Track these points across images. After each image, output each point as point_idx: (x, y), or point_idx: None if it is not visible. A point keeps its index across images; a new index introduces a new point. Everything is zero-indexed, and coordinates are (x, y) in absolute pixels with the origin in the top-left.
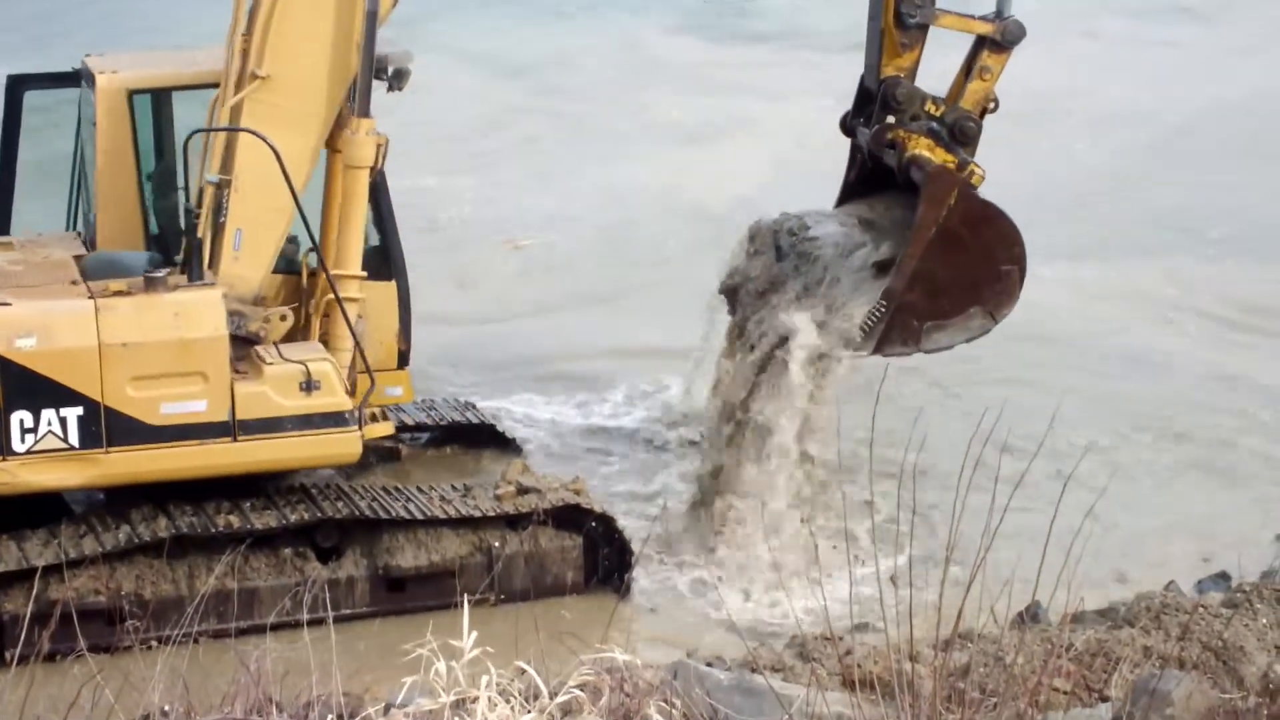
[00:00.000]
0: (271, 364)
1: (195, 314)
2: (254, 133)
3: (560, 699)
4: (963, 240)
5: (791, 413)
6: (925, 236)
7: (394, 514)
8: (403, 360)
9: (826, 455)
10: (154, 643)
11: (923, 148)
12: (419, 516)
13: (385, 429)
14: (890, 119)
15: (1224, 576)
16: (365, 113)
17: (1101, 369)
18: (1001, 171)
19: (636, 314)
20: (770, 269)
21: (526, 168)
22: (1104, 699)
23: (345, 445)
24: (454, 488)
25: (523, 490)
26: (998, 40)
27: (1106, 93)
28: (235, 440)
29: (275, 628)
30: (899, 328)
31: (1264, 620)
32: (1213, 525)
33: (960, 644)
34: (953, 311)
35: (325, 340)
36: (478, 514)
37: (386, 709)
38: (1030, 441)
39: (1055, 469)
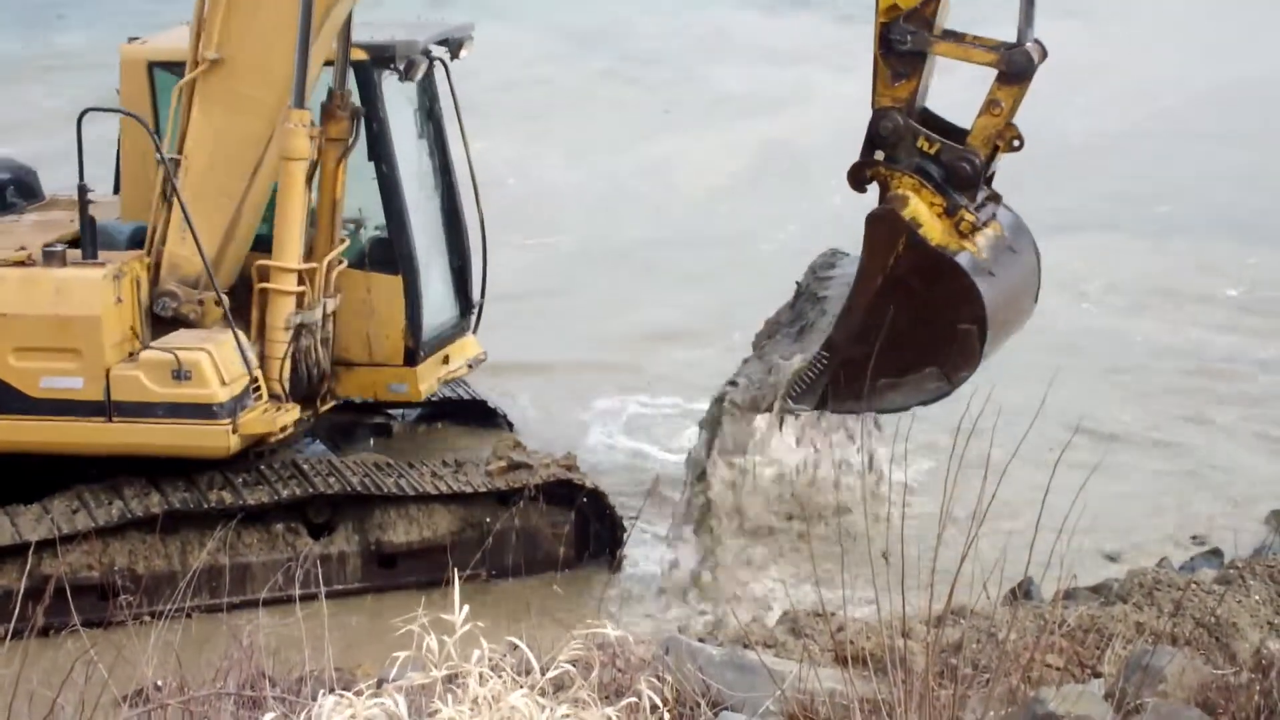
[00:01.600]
0: (149, 349)
1: (74, 292)
2: (134, 116)
3: (552, 674)
4: (914, 292)
5: (728, 464)
6: (870, 286)
7: (385, 490)
8: (410, 358)
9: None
10: (147, 617)
11: (907, 188)
12: (410, 492)
13: (266, 426)
14: (879, 154)
15: (1217, 553)
16: (299, 104)
17: (1050, 346)
18: None
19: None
20: (785, 309)
21: (573, 139)
22: (1096, 675)
23: (213, 438)
24: (445, 463)
25: (514, 466)
26: (1004, 71)
27: (1128, 66)
28: (110, 421)
29: (267, 603)
30: (847, 383)
31: (1257, 597)
32: (1203, 502)
33: (953, 620)
34: (906, 369)
35: (261, 330)
36: (469, 490)
37: (379, 684)
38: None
39: (1047, 446)
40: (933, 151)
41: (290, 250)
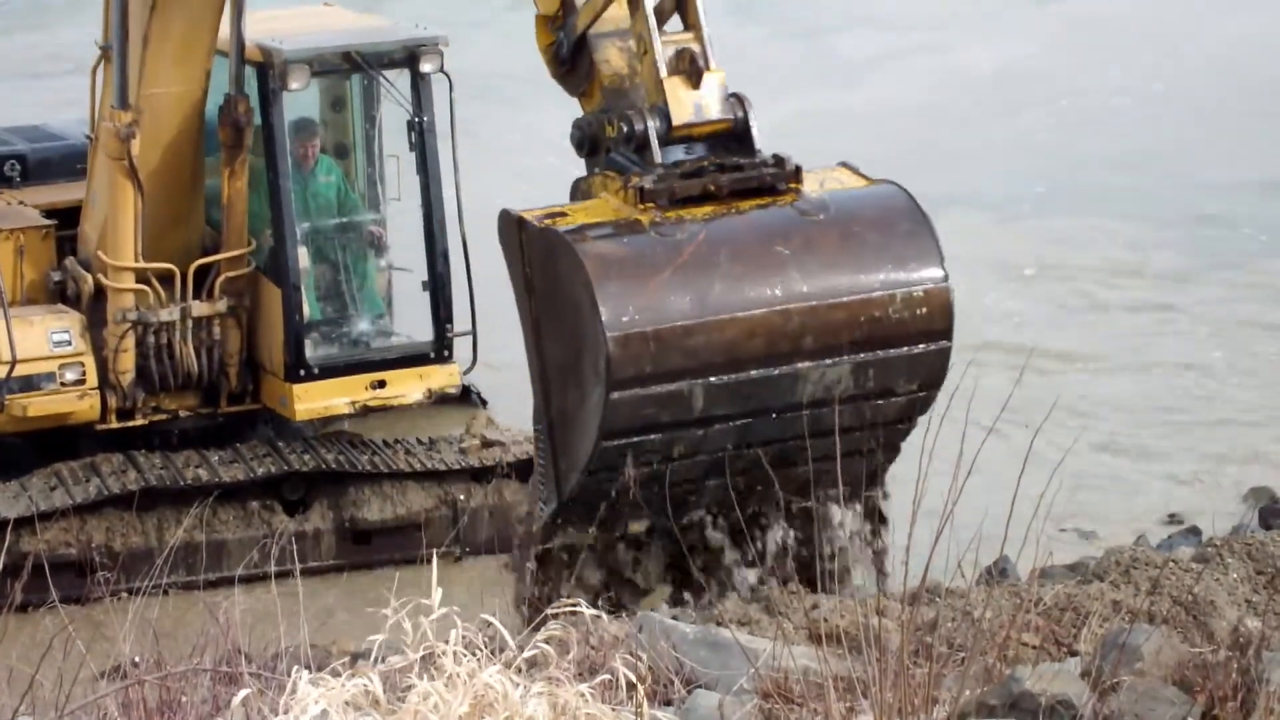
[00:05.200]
0: None
1: None
2: None
3: (527, 653)
4: (552, 292)
5: None
6: (523, 308)
7: (360, 467)
8: (288, 374)
9: None
10: (124, 594)
11: (596, 188)
12: (384, 470)
13: (63, 408)
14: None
15: (1194, 531)
16: (120, 105)
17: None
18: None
19: None
20: None
21: None
22: (1073, 653)
23: None
24: (419, 441)
25: (487, 444)
26: None
27: (1131, 37)
28: None
29: (243, 580)
30: (567, 451)
31: (1235, 575)
32: (1181, 481)
33: (928, 598)
34: (582, 399)
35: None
36: (443, 468)
37: (354, 660)
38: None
39: (1023, 423)
40: (613, 134)
41: (123, 248)
